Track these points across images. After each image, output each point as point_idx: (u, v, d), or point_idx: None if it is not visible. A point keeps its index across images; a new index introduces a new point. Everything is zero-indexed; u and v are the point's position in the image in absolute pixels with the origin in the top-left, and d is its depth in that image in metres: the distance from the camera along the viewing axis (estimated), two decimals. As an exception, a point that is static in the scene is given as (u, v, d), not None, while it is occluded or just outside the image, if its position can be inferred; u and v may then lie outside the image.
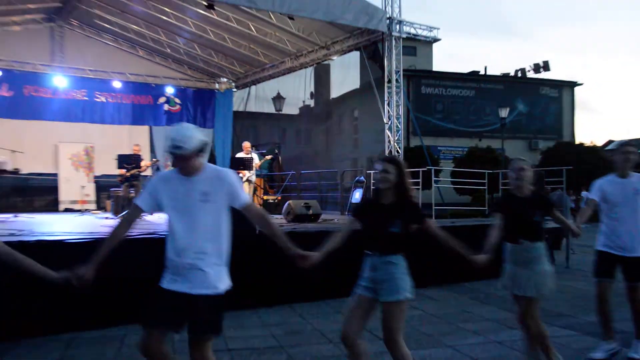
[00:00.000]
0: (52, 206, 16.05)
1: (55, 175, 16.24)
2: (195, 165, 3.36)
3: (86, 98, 16.94)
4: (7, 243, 6.64)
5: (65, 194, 16.14)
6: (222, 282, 3.39)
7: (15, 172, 12.30)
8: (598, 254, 5.23)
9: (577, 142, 34.52)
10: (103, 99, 17.19)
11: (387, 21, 12.39)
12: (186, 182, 3.37)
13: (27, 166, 14.01)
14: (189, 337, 3.41)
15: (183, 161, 3.32)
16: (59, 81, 16.26)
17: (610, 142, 51.93)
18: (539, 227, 4.52)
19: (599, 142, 45.10)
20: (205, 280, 3.29)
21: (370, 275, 3.83)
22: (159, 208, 3.48)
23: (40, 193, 16.21)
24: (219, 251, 3.39)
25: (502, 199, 6.31)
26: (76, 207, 15.76)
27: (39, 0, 14.75)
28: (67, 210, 15.70)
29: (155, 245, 3.71)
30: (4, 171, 11.59)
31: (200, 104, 18.61)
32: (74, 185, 16.06)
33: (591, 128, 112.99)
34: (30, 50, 16.12)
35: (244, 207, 3.49)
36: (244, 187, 12.72)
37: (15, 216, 12.01)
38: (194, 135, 3.37)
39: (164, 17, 14.48)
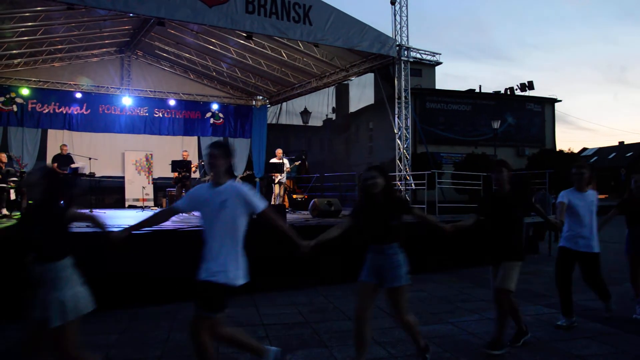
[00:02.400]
0: (119, 203, 16.24)
1: (122, 177, 16.41)
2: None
3: (147, 114, 17.14)
4: (85, 233, 6.72)
5: (130, 193, 16.31)
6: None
7: (91, 175, 12.44)
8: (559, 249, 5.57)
9: (557, 149, 34.01)
10: (160, 115, 17.37)
11: (397, 48, 12.28)
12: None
13: (100, 170, 14.17)
14: None
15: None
16: (126, 101, 16.48)
17: (584, 149, 50.99)
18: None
19: (576, 149, 44.28)
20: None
21: (374, 265, 3.87)
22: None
23: (110, 192, 16.41)
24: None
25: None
26: (138, 204, 15.90)
27: (112, 36, 14.97)
28: (130, 206, 15.86)
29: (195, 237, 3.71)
30: (83, 174, 11.72)
31: (239, 118, 18.65)
32: (137, 186, 16.21)
33: (569, 137, 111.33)
34: (104, 76, 16.41)
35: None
36: (276, 188, 12.71)
37: (91, 211, 12.16)
38: None
39: (211, 47, 14.56)
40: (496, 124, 25.26)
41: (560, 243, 5.54)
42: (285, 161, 13.04)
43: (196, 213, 3.67)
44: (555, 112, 37.76)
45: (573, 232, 5.36)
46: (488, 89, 59.76)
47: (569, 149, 36.13)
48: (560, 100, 37.58)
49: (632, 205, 5.78)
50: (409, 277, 3.89)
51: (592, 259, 5.39)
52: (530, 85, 37.19)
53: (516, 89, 37.78)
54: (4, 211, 10.17)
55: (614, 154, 46.82)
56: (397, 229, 3.86)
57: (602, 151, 49.22)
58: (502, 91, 38.22)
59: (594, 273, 5.50)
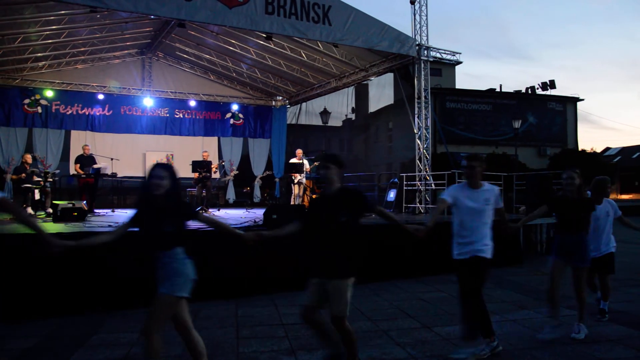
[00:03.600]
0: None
1: (143, 178, 16.56)
2: None
3: (168, 115, 17.36)
4: (104, 233, 6.82)
5: (151, 193, 16.47)
6: None
7: (113, 175, 12.62)
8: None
9: (579, 149, 33.48)
10: (181, 115, 17.56)
11: (417, 47, 12.21)
12: None
13: (122, 171, 14.36)
14: None
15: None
16: (147, 102, 16.71)
17: (607, 148, 50.03)
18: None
19: (598, 149, 43.51)
20: None
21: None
22: None
23: (131, 192, 16.56)
24: None
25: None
26: (159, 204, 16.05)
27: (134, 38, 15.20)
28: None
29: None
30: (105, 175, 11.90)
31: (259, 118, 18.75)
32: (158, 186, 16.37)
33: (591, 137, 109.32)
34: (126, 78, 16.65)
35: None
36: (295, 188, 12.73)
37: (113, 211, 12.35)
38: None
39: (231, 48, 14.66)
40: (517, 124, 24.91)
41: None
42: (305, 162, 13.06)
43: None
44: (578, 111, 37.17)
45: (459, 238, 4.43)
46: (509, 88, 59.00)
47: (592, 149, 35.61)
48: (582, 99, 36.98)
49: None
50: (185, 289, 3.53)
51: (476, 265, 4.33)
52: (551, 84, 36.66)
53: (537, 88, 37.26)
54: (29, 210, 10.38)
55: (638, 154, 45.85)
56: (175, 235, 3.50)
57: (625, 150, 48.23)
58: (523, 90, 37.72)
59: (474, 285, 4.38)
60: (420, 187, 12.62)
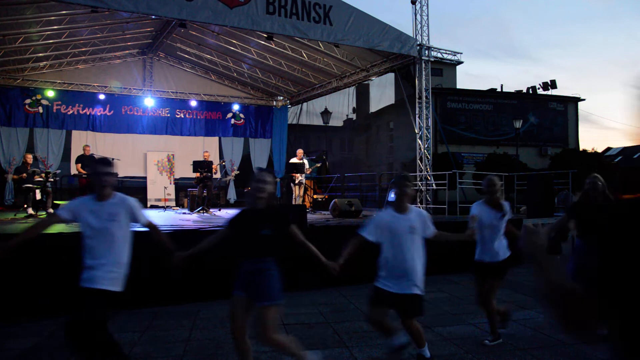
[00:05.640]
0: (141, 203, 16.30)
1: (144, 178, 16.60)
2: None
3: (169, 115, 17.36)
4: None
5: (152, 193, 16.50)
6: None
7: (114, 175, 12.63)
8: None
9: (581, 149, 33.43)
10: (182, 116, 17.57)
11: (418, 47, 12.21)
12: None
13: (123, 171, 14.37)
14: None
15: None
16: (148, 102, 16.71)
17: (609, 148, 49.97)
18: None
19: (600, 149, 43.49)
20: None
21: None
22: None
23: (132, 192, 16.35)
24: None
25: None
26: (160, 204, 16.06)
27: (135, 38, 15.20)
28: (152, 206, 16.02)
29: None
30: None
31: (260, 118, 18.76)
32: (159, 186, 16.39)
33: (593, 137, 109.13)
34: (127, 78, 16.66)
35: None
36: (296, 189, 12.74)
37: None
38: None
39: (232, 48, 14.66)
40: (518, 124, 24.88)
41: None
42: (305, 162, 13.05)
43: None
44: (579, 111, 37.12)
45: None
46: (510, 88, 59.02)
47: (593, 149, 35.51)
48: (583, 99, 36.90)
49: None
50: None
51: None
52: (552, 84, 36.61)
53: (538, 88, 37.20)
54: (30, 210, 10.40)
55: (639, 154, 45.80)
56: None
57: (627, 150, 48.17)
58: (524, 90, 37.67)
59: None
60: (421, 187, 12.62)
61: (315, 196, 14.64)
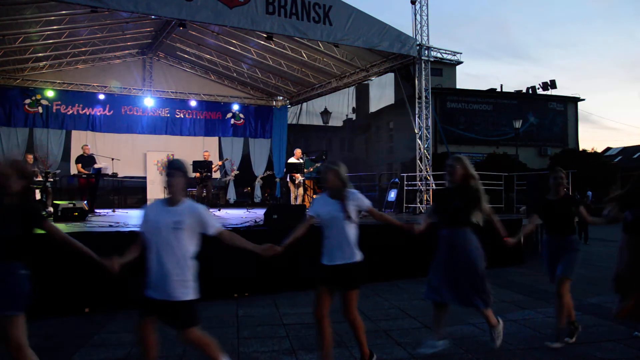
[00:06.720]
0: (141, 203, 16.37)
1: (144, 178, 16.59)
2: None
3: (168, 115, 17.38)
4: (106, 233, 6.82)
5: (151, 193, 16.48)
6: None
7: (114, 175, 12.61)
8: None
9: (580, 149, 33.44)
10: (182, 115, 17.58)
11: (417, 47, 12.21)
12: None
13: (123, 171, 14.36)
14: None
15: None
16: (148, 102, 16.72)
17: (608, 148, 49.97)
18: None
19: (599, 149, 43.49)
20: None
21: None
22: None
23: (132, 192, 16.64)
24: None
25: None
26: (160, 204, 16.05)
27: (135, 38, 15.21)
28: (153, 206, 16.02)
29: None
30: (105, 175, 11.90)
31: (260, 118, 18.78)
32: (159, 186, 16.33)
33: (592, 136, 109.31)
34: (127, 78, 16.66)
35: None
36: (293, 189, 12.72)
37: (113, 211, 12.36)
38: None
39: (232, 48, 14.67)
40: (518, 124, 24.93)
41: None
42: (301, 161, 13.03)
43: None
44: (579, 111, 37.16)
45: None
46: (509, 88, 59.02)
47: (592, 149, 35.53)
48: (583, 99, 36.98)
49: None
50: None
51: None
52: (552, 84, 36.65)
53: (538, 88, 37.26)
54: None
55: (639, 154, 45.81)
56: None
57: (626, 150, 48.19)
58: (524, 90, 37.71)
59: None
60: (420, 187, 12.62)
61: (315, 196, 14.64)
